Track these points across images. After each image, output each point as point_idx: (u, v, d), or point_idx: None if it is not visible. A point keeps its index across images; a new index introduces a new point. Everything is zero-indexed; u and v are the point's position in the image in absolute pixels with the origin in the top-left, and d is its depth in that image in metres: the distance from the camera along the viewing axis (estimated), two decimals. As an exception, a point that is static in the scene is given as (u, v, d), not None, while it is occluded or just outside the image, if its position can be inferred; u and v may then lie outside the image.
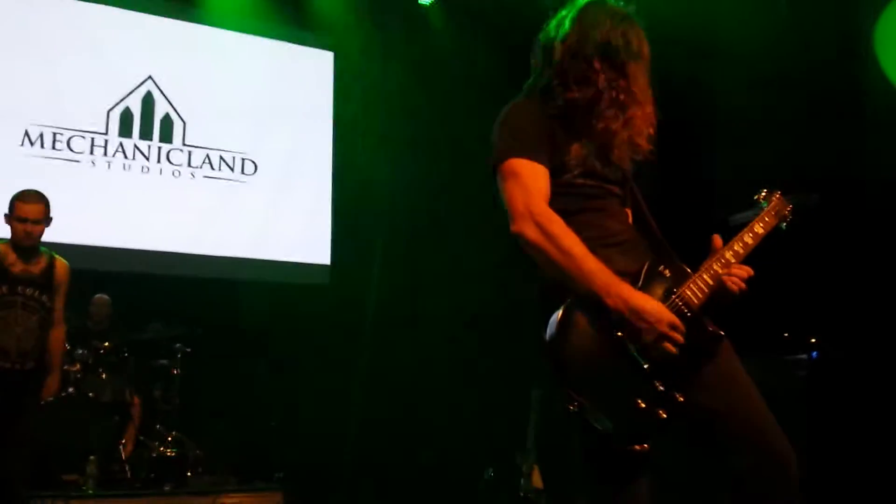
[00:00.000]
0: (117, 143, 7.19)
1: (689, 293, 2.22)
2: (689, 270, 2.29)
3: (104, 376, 6.02)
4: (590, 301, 2.09)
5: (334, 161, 7.92)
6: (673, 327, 2.09)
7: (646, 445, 2.10)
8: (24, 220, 4.49)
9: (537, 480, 5.66)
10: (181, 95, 7.49)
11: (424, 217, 7.86)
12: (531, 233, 2.14)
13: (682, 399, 2.09)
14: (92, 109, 7.13)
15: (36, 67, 6.94)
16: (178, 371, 6.35)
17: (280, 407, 6.75)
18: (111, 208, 7.00)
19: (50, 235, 4.69)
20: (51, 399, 5.07)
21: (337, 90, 8.07)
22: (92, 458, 5.49)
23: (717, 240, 2.39)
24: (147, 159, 7.27)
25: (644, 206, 2.44)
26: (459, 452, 6.83)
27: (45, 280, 4.60)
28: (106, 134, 7.17)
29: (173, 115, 7.44)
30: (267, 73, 7.89)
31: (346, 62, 8.07)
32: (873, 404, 4.94)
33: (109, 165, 7.13)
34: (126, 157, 7.19)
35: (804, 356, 5.36)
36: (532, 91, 2.39)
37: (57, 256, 4.72)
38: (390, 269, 7.71)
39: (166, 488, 5.63)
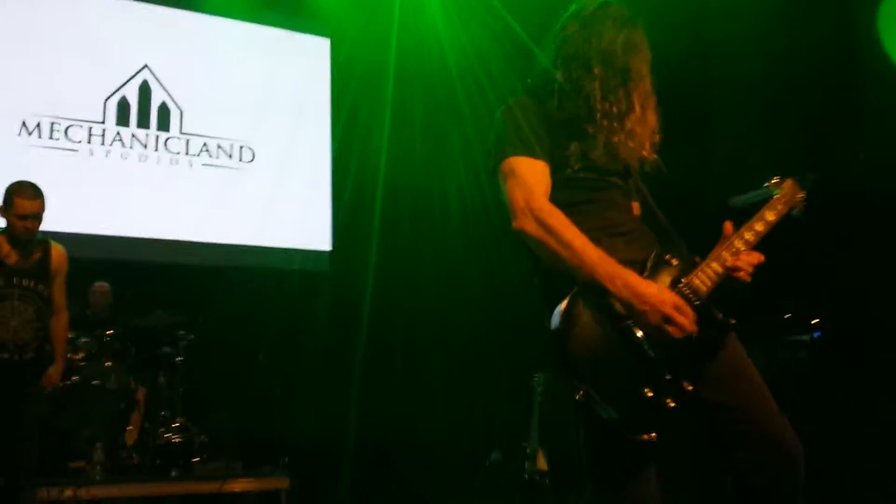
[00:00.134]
0: (115, 132, 7.17)
1: (696, 281, 2.22)
2: (697, 259, 2.28)
3: (108, 364, 6.01)
4: (594, 290, 2.10)
5: (332, 146, 7.91)
6: (678, 309, 2.08)
7: (654, 435, 2.09)
8: (24, 218, 4.42)
9: (542, 463, 5.71)
10: (178, 84, 7.47)
11: (423, 202, 7.87)
12: (531, 228, 2.16)
13: (689, 388, 2.09)
14: (89, 98, 7.10)
15: (33, 57, 6.91)
16: (182, 358, 6.35)
17: (284, 392, 6.76)
18: (109, 197, 6.99)
19: (49, 225, 4.62)
20: (54, 387, 4.99)
21: (334, 76, 8.06)
22: (98, 445, 5.51)
23: (728, 226, 2.37)
24: (145, 148, 7.25)
25: (649, 198, 2.45)
26: (464, 436, 6.87)
27: (41, 269, 4.53)
28: (103, 123, 7.15)
29: (170, 104, 7.42)
30: (263, 61, 7.87)
31: (343, 48, 8.06)
32: (875, 386, 5.00)
33: (107, 154, 7.12)
34: (124, 145, 7.18)
35: (806, 337, 5.40)
36: (533, 89, 2.42)
37: (53, 243, 4.64)
38: (390, 254, 7.72)
39: (173, 474, 5.65)
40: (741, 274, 2.30)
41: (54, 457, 5.40)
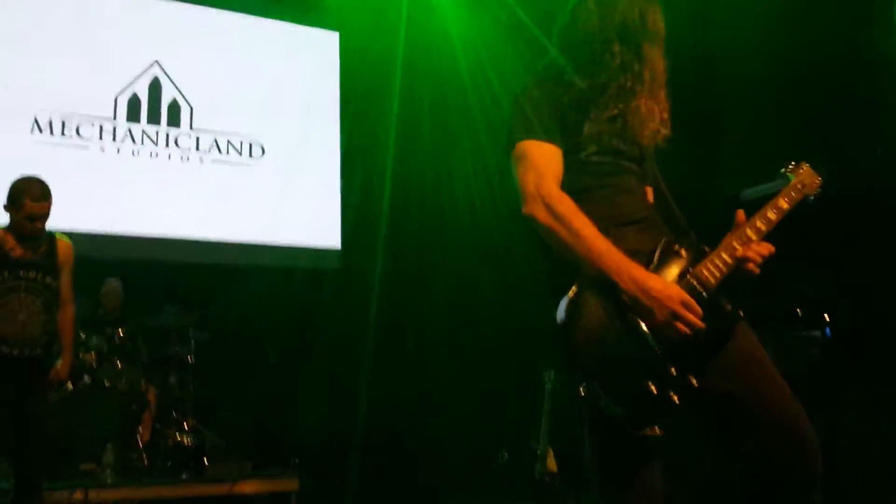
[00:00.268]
0: (125, 129, 7.17)
1: (705, 272, 2.17)
2: (706, 249, 2.24)
3: (119, 365, 6.04)
4: (601, 282, 2.08)
5: (342, 143, 7.88)
6: (686, 306, 2.05)
7: (658, 430, 2.06)
8: (34, 219, 4.37)
9: (552, 463, 5.69)
10: (188, 80, 7.46)
11: (432, 198, 7.83)
12: (541, 215, 2.15)
13: (696, 383, 2.05)
14: (100, 95, 7.10)
15: (44, 55, 6.91)
16: (192, 358, 6.36)
17: (294, 392, 6.77)
18: (120, 194, 6.99)
19: (60, 223, 4.60)
20: (63, 383, 4.93)
21: (343, 70, 8.02)
22: (109, 446, 5.53)
23: (741, 215, 2.30)
24: (155, 144, 7.25)
25: (662, 184, 2.42)
26: (474, 435, 6.86)
27: (48, 262, 4.46)
28: (114, 119, 7.15)
29: (180, 100, 7.41)
30: (273, 56, 7.83)
31: (352, 41, 8.01)
32: (887, 383, 4.94)
33: (118, 151, 7.12)
34: (134, 142, 7.18)
35: (818, 333, 5.33)
36: (546, 72, 2.39)
37: (58, 236, 4.57)
38: (399, 251, 7.69)
39: (184, 476, 5.68)
40: (750, 265, 2.24)
41: (64, 458, 5.42)
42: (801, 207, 2.42)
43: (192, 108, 7.45)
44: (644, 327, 2.06)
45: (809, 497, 2.09)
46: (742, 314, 2.16)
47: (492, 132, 7.11)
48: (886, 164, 5.49)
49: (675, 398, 2.03)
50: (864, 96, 5.65)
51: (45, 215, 4.44)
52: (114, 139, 7.10)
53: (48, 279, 4.45)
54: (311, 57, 8.03)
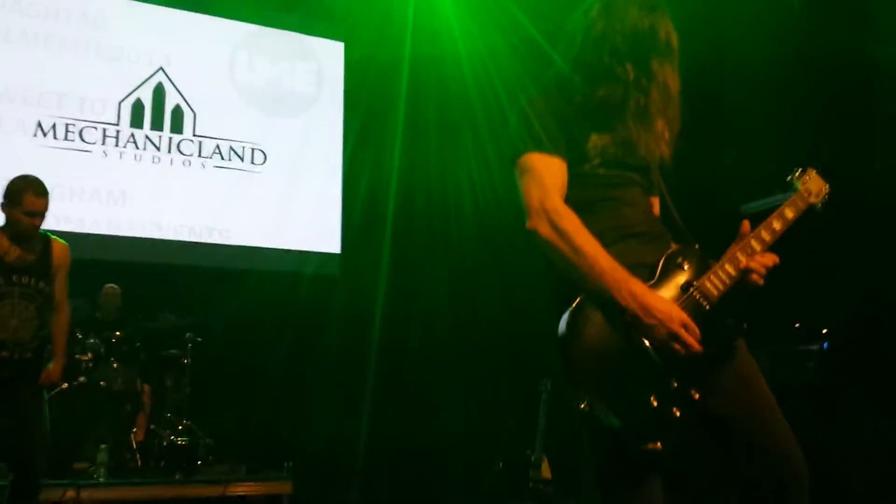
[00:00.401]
0: (129, 134, 7.21)
1: (708, 285, 2.16)
2: (710, 261, 2.21)
3: (115, 366, 6.03)
4: (602, 298, 2.06)
5: (345, 149, 7.91)
6: (685, 327, 2.04)
7: (659, 445, 2.03)
8: (34, 215, 4.33)
9: (546, 471, 5.66)
10: (191, 86, 7.51)
11: (436, 205, 7.83)
12: (544, 230, 2.12)
13: (697, 396, 2.04)
14: (103, 100, 7.16)
15: (49, 59, 6.98)
16: (189, 361, 6.36)
17: (292, 395, 6.75)
18: (123, 198, 7.03)
19: (62, 225, 4.59)
20: (54, 385, 4.82)
21: (347, 79, 8.06)
22: (103, 446, 5.52)
23: (746, 225, 2.28)
24: (158, 150, 7.29)
25: (667, 195, 2.38)
26: (470, 442, 6.83)
27: (42, 266, 4.41)
28: (118, 125, 7.20)
29: (184, 106, 7.46)
30: (276, 64, 7.89)
31: (357, 49, 8.04)
32: (883, 396, 4.90)
33: (121, 156, 7.16)
34: (137, 147, 7.22)
35: (815, 347, 5.30)
36: (552, 82, 2.36)
37: (53, 238, 4.51)
38: (401, 257, 7.69)
39: (177, 477, 5.66)
40: (754, 276, 2.22)
41: (58, 457, 5.40)
42: (806, 218, 2.37)
43: (195, 114, 7.49)
44: (645, 341, 2.05)
45: None
46: (744, 326, 2.16)
47: (496, 142, 7.12)
48: (885, 174, 5.47)
49: (677, 412, 2.03)
50: (864, 107, 5.64)
51: (44, 212, 4.41)
52: (116, 144, 7.15)
53: (41, 284, 4.40)
54: (315, 66, 8.08)
